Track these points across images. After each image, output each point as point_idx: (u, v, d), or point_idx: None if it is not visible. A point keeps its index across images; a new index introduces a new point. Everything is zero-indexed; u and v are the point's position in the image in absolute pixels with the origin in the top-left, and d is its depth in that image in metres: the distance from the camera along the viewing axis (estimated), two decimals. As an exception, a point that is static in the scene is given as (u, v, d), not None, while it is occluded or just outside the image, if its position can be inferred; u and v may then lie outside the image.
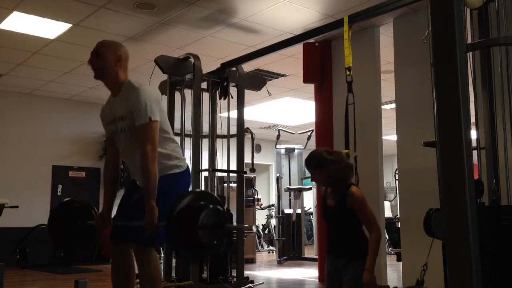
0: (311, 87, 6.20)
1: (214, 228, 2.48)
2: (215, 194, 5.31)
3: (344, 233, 2.83)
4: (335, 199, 2.82)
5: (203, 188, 5.32)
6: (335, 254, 2.82)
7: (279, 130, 8.65)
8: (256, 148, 10.95)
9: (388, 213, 8.44)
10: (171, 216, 2.45)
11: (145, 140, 2.64)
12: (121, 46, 2.85)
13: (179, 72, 5.11)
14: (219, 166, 5.56)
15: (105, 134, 3.02)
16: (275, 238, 9.26)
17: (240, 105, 5.32)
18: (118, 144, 2.88)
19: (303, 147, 8.83)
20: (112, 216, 2.93)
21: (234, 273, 5.08)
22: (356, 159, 3.96)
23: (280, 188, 8.80)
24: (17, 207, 5.28)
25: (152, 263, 2.73)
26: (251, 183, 8.36)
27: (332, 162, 2.79)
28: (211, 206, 2.50)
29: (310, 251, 9.41)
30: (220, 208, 2.57)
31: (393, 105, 6.08)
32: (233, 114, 5.35)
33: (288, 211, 8.57)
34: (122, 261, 2.86)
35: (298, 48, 5.61)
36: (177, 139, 5.27)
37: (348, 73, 4.06)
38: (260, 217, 11.16)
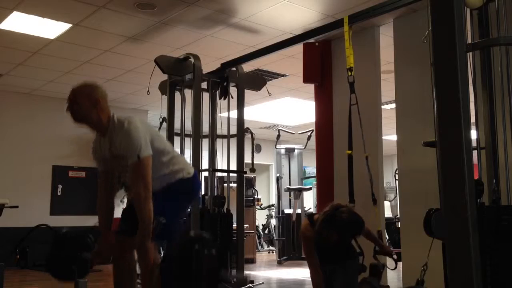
0: (311, 87, 6.20)
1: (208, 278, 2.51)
2: (215, 194, 5.32)
3: (334, 251, 3.20)
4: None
5: (203, 189, 5.31)
6: (324, 262, 3.17)
7: (279, 130, 8.65)
8: (256, 148, 10.95)
9: (388, 213, 8.44)
10: (164, 265, 2.48)
11: (136, 180, 2.66)
12: (96, 88, 2.83)
13: (179, 72, 5.11)
14: (219, 166, 5.56)
15: (98, 167, 2.99)
16: (275, 238, 9.26)
17: (240, 105, 5.32)
18: (123, 178, 2.91)
19: (303, 147, 8.83)
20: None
21: (234, 273, 5.08)
22: (368, 159, 3.96)
23: (280, 188, 8.80)
24: (17, 207, 5.28)
25: (152, 254, 2.74)
26: (251, 183, 8.36)
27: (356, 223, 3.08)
28: (205, 252, 2.54)
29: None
30: (214, 253, 2.60)
31: (393, 105, 6.08)
32: (233, 114, 5.35)
33: (288, 211, 8.57)
34: (123, 261, 2.87)
35: (298, 48, 5.61)
36: (177, 139, 5.31)
37: (350, 73, 4.04)
38: (260, 217, 11.16)
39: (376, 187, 5.07)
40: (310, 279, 3.26)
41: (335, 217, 2.97)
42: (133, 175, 2.68)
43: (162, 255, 2.91)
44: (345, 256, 3.25)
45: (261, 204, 10.78)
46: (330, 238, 3.01)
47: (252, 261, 8.12)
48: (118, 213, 3.01)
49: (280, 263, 8.02)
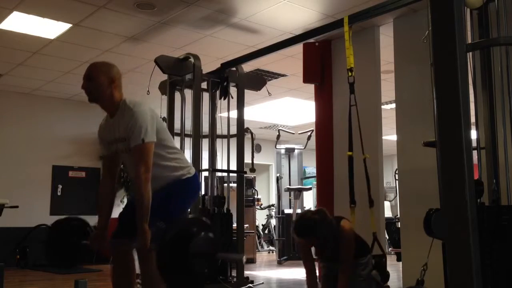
0: (311, 87, 6.20)
1: (205, 257, 2.49)
2: (215, 194, 5.31)
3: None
4: (330, 244, 3.19)
5: (203, 189, 5.31)
6: (330, 260, 3.23)
7: (279, 130, 8.65)
8: (256, 148, 10.94)
9: (388, 213, 8.44)
10: (161, 244, 2.47)
11: (138, 162, 2.64)
12: (113, 67, 2.83)
13: (179, 72, 5.11)
14: (219, 166, 5.56)
15: (102, 150, 2.99)
16: (275, 238, 9.26)
17: (240, 105, 5.32)
18: (123, 162, 2.90)
19: (303, 147, 8.83)
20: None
21: (234, 273, 5.08)
22: (366, 161, 3.95)
23: (280, 188, 8.80)
24: (17, 207, 5.27)
25: (154, 261, 2.73)
26: (251, 183, 8.36)
27: (318, 227, 3.12)
28: (202, 233, 2.52)
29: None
30: (212, 236, 2.58)
31: (393, 105, 6.08)
32: (233, 114, 5.35)
33: (288, 211, 8.57)
34: (123, 261, 2.86)
35: (298, 48, 5.61)
36: (177, 139, 5.31)
37: (350, 74, 4.04)
38: (260, 217, 11.16)
39: (376, 187, 5.09)
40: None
41: (296, 225, 3.20)
42: (135, 157, 2.66)
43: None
44: (356, 254, 3.27)
45: (261, 204, 10.78)
46: (313, 244, 3.20)
47: (252, 261, 8.12)
48: (116, 212, 3.00)
49: (280, 263, 8.03)
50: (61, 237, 2.95)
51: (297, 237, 3.18)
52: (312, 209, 10.29)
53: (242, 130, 5.29)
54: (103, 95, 2.76)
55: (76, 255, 2.95)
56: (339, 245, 3.17)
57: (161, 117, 5.29)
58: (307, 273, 3.29)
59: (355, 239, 3.29)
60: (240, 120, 5.30)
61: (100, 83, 2.74)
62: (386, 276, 3.38)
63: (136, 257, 2.82)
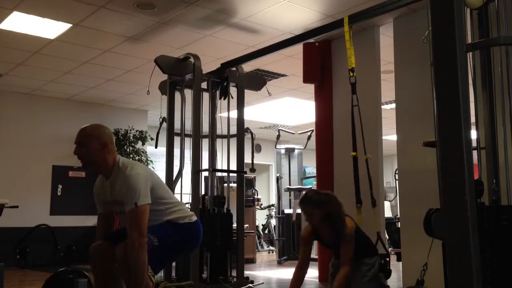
0: (311, 87, 6.20)
1: None
2: (215, 194, 5.31)
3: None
4: (332, 236, 3.13)
5: (203, 189, 5.31)
6: (338, 257, 3.15)
7: (279, 130, 8.64)
8: (256, 148, 10.94)
9: (388, 213, 8.45)
10: None
11: (132, 227, 2.60)
12: (105, 130, 2.80)
13: (179, 72, 5.11)
14: (219, 166, 5.56)
15: (98, 208, 2.96)
16: (275, 238, 9.26)
17: (240, 105, 5.32)
18: (120, 221, 2.90)
19: (303, 147, 8.83)
20: None
21: (234, 273, 5.08)
22: (368, 161, 3.95)
23: (280, 188, 8.80)
24: (17, 207, 5.28)
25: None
26: (251, 183, 8.35)
27: (328, 202, 3.06)
28: None
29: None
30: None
31: (393, 105, 6.08)
32: (233, 114, 5.35)
33: (288, 211, 8.57)
34: (106, 267, 2.82)
35: (298, 48, 5.61)
36: (177, 139, 5.31)
37: (351, 74, 4.03)
38: (260, 217, 11.16)
39: (376, 187, 5.09)
40: (310, 279, 3.27)
41: (306, 196, 3.14)
42: (129, 222, 2.62)
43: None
44: (362, 254, 3.23)
45: (261, 204, 10.77)
46: (314, 220, 3.09)
47: (252, 261, 8.12)
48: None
49: (280, 263, 8.02)
50: None
51: (302, 205, 3.11)
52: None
53: (242, 130, 5.29)
54: (96, 160, 2.74)
55: None
56: (340, 240, 3.14)
57: (161, 117, 5.35)
58: (295, 271, 3.23)
59: (361, 238, 3.26)
60: (240, 120, 5.30)
61: (92, 149, 2.72)
62: (388, 274, 3.37)
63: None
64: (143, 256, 2.56)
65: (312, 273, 6.34)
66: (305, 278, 3.25)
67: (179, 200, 3.30)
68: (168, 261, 2.94)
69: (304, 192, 3.24)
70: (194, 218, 2.94)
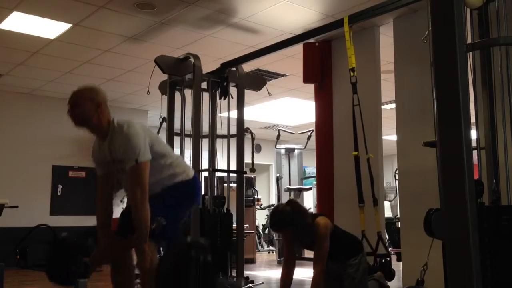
0: (311, 87, 6.20)
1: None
2: (215, 194, 5.31)
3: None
4: (309, 240, 3.27)
5: (203, 189, 5.31)
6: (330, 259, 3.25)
7: (279, 130, 8.64)
8: (256, 148, 10.94)
9: (388, 213, 8.45)
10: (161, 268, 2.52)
11: (134, 184, 2.64)
12: (99, 91, 2.82)
13: (179, 72, 5.11)
14: (219, 166, 5.56)
15: (97, 171, 2.97)
16: (275, 238, 9.26)
17: (240, 105, 5.32)
18: (120, 182, 2.91)
19: (303, 147, 8.82)
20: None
21: (234, 273, 5.08)
22: (369, 161, 3.95)
23: (280, 188, 8.80)
24: (17, 207, 5.28)
25: (149, 256, 2.73)
26: (251, 183, 8.36)
27: (290, 220, 3.17)
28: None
29: (310, 251, 9.39)
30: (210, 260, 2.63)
31: (393, 105, 6.08)
32: (233, 114, 5.35)
33: (288, 211, 8.56)
34: (122, 260, 2.86)
35: (298, 48, 5.61)
36: (177, 139, 5.31)
37: (352, 74, 4.03)
38: (260, 217, 11.16)
39: (376, 187, 5.09)
40: (309, 279, 3.29)
41: (271, 221, 3.29)
42: (130, 180, 2.66)
43: (160, 256, 2.90)
44: (346, 254, 3.27)
45: (261, 204, 10.78)
46: (288, 238, 3.29)
47: (252, 261, 8.12)
48: (117, 212, 3.00)
49: (280, 263, 8.01)
50: (64, 255, 2.94)
51: (274, 232, 3.30)
52: (311, 210, 10.31)
53: (242, 130, 5.29)
54: (90, 121, 2.76)
55: (76, 272, 2.95)
56: (314, 241, 3.20)
57: (161, 117, 5.35)
58: (282, 271, 3.31)
59: (342, 236, 3.30)
60: (240, 120, 5.30)
61: (86, 109, 2.74)
62: (392, 274, 3.39)
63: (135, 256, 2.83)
64: (146, 212, 2.60)
65: (310, 272, 6.34)
66: (304, 278, 3.28)
67: (179, 154, 3.34)
68: (177, 225, 2.98)
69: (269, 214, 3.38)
70: (192, 173, 2.99)
